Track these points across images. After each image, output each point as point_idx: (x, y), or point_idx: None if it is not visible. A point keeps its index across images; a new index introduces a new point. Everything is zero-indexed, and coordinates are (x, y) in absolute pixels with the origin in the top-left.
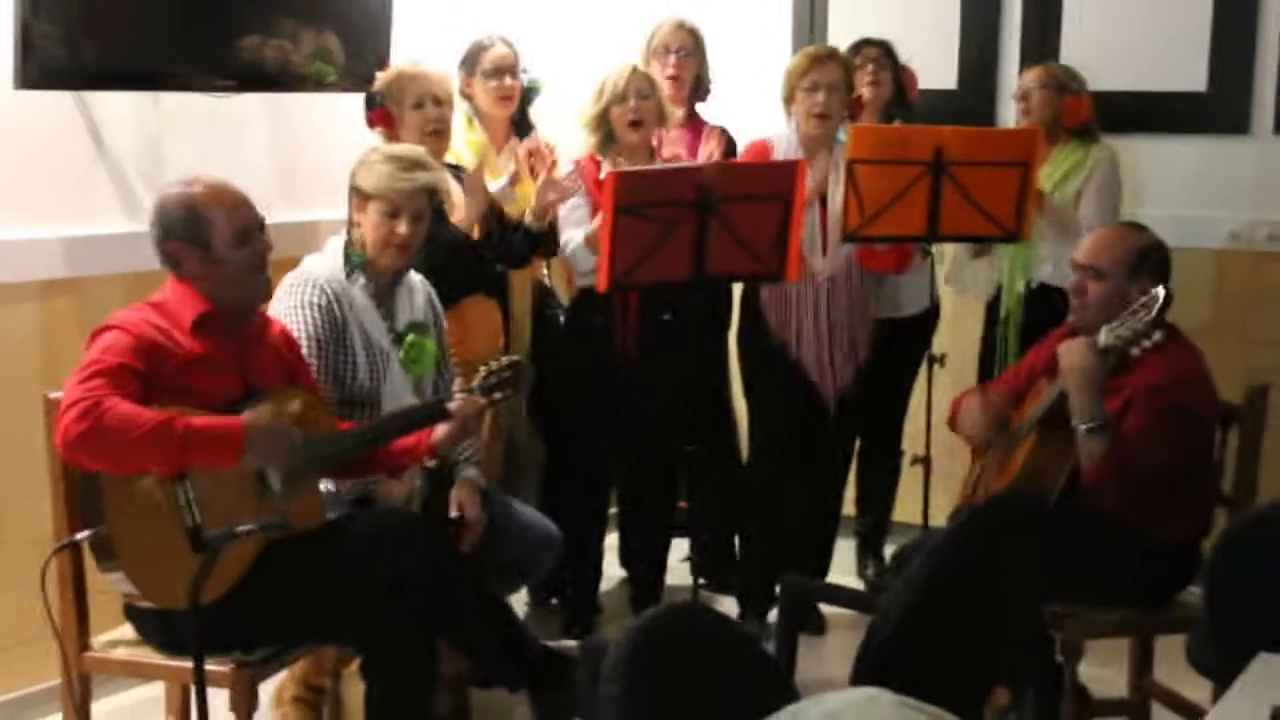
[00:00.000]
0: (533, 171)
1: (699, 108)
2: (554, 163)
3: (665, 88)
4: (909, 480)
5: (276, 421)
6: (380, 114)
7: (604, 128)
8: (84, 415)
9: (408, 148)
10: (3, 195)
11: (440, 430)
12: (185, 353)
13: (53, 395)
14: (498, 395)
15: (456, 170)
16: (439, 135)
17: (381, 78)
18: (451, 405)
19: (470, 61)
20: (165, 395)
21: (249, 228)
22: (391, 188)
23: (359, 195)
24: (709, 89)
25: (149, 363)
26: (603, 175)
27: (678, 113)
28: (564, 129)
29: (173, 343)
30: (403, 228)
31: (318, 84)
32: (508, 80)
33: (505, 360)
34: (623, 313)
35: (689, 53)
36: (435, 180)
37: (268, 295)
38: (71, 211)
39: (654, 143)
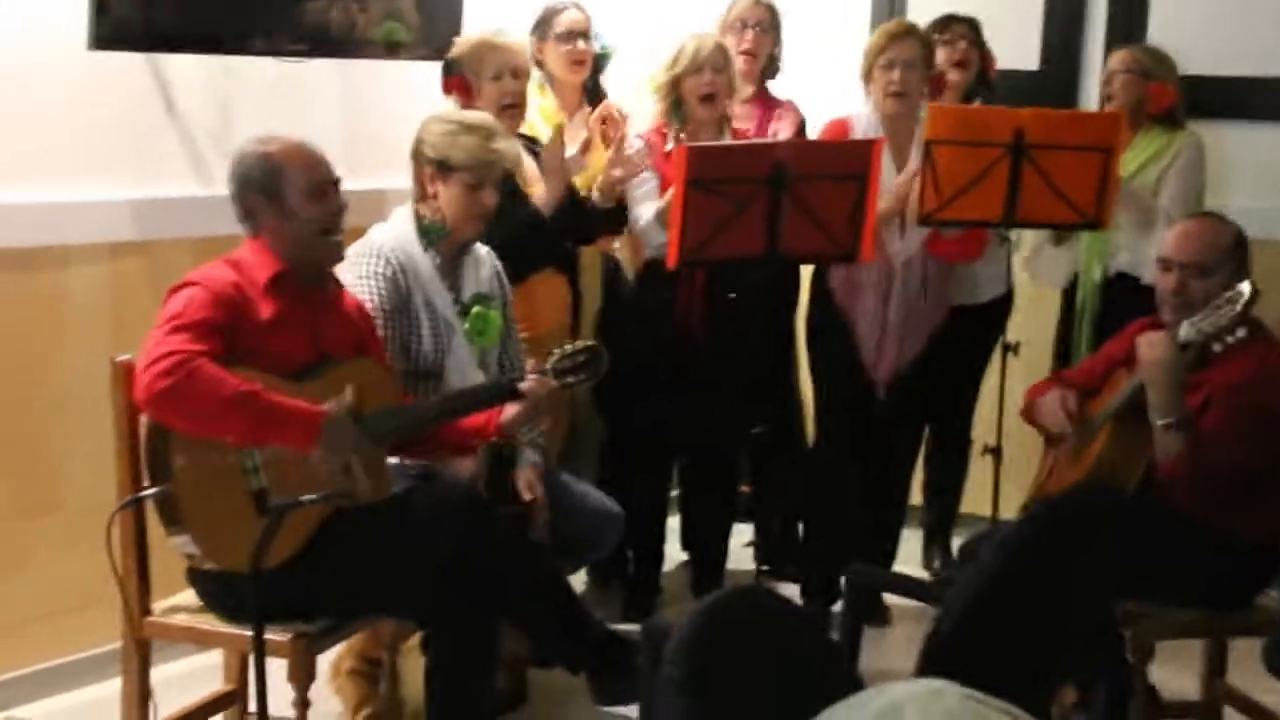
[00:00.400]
0: (605, 139)
1: (768, 85)
2: (623, 136)
3: (738, 63)
4: (978, 470)
5: (349, 423)
6: (457, 82)
7: (672, 96)
8: (172, 370)
9: (478, 116)
10: (73, 156)
11: (510, 411)
12: (261, 313)
13: (120, 358)
14: (571, 380)
15: (530, 143)
16: (515, 109)
17: (461, 44)
18: (523, 386)
19: (543, 25)
20: (240, 356)
21: (323, 184)
22: (479, 159)
23: (438, 167)
24: (779, 67)
25: (229, 319)
26: (669, 148)
27: (747, 89)
28: (631, 97)
29: (249, 301)
30: (489, 198)
31: (388, 47)
32: (580, 44)
33: (581, 345)
34: (690, 289)
35: (765, 28)
36: (517, 152)
37: (339, 257)
38: (141, 174)
39: (721, 116)
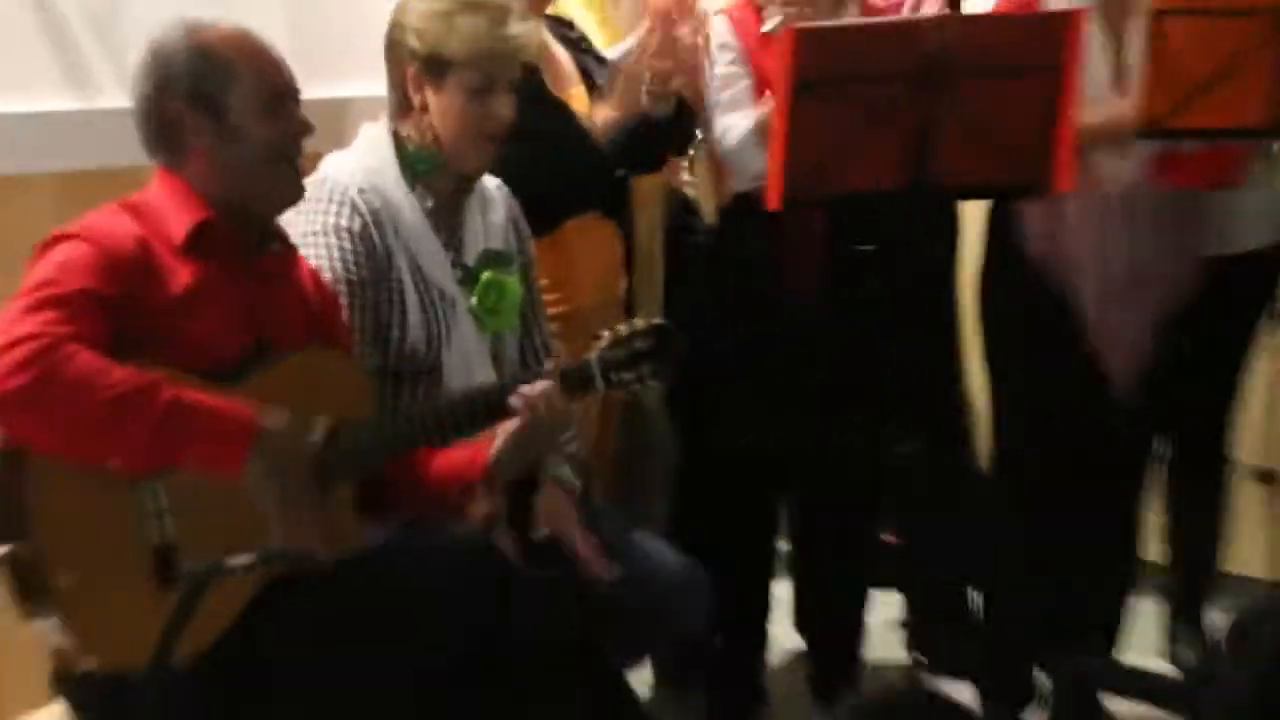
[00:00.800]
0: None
1: None
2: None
3: None
4: (1245, 507)
5: (300, 440)
6: None
7: None
8: (28, 362)
9: None
10: None
11: (500, 438)
12: (173, 281)
13: None
14: (627, 377)
15: (562, 27)
16: None
17: None
18: (514, 397)
19: None
20: (138, 344)
21: (282, 93)
22: (488, 50)
23: (426, 65)
24: None
25: (122, 290)
26: (768, 28)
27: None
28: None
29: (156, 265)
30: (503, 108)
31: None
32: None
33: (641, 324)
34: (801, 242)
35: None
36: (539, 37)
37: (297, 195)
38: None
39: None
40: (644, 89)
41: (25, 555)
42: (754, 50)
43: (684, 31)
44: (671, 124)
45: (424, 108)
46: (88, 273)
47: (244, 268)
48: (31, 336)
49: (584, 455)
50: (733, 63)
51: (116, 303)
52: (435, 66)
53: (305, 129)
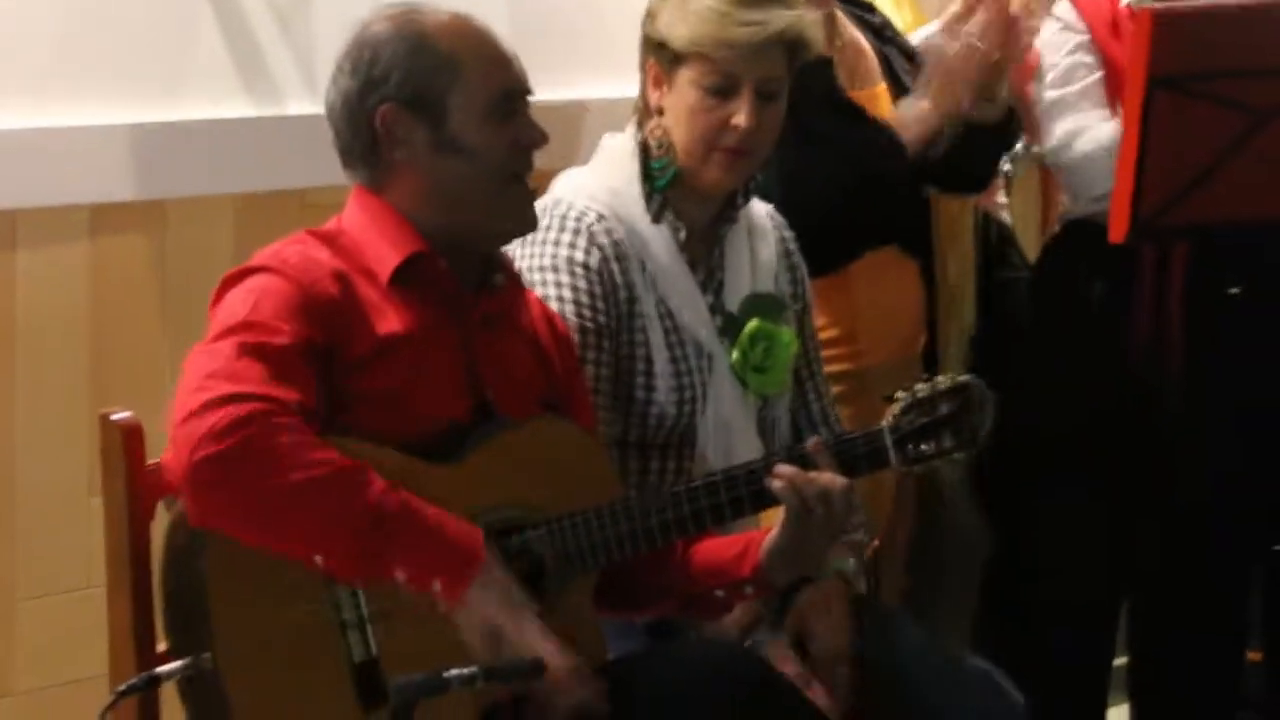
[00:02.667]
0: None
1: None
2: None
3: None
4: None
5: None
6: None
7: None
8: (232, 429)
9: None
10: (38, 58)
11: (772, 535)
12: (380, 328)
13: (115, 416)
14: (927, 450)
15: (857, 7)
16: None
17: None
18: (777, 481)
19: None
20: (340, 402)
21: (513, 95)
22: (716, 37)
23: (660, 56)
24: None
25: (325, 334)
26: (1126, 3)
27: None
28: None
29: (361, 307)
30: (742, 115)
31: None
32: None
33: (945, 382)
34: (1153, 280)
35: None
36: (802, 26)
37: (530, 224)
38: (147, 86)
39: None
40: (965, 86)
41: (208, 669)
42: (1106, 37)
43: (1019, 8)
44: (1000, 133)
45: (659, 110)
46: (293, 316)
47: (463, 310)
48: (240, 397)
49: (872, 545)
50: (1076, 50)
51: (323, 349)
52: (668, 56)
53: (539, 138)
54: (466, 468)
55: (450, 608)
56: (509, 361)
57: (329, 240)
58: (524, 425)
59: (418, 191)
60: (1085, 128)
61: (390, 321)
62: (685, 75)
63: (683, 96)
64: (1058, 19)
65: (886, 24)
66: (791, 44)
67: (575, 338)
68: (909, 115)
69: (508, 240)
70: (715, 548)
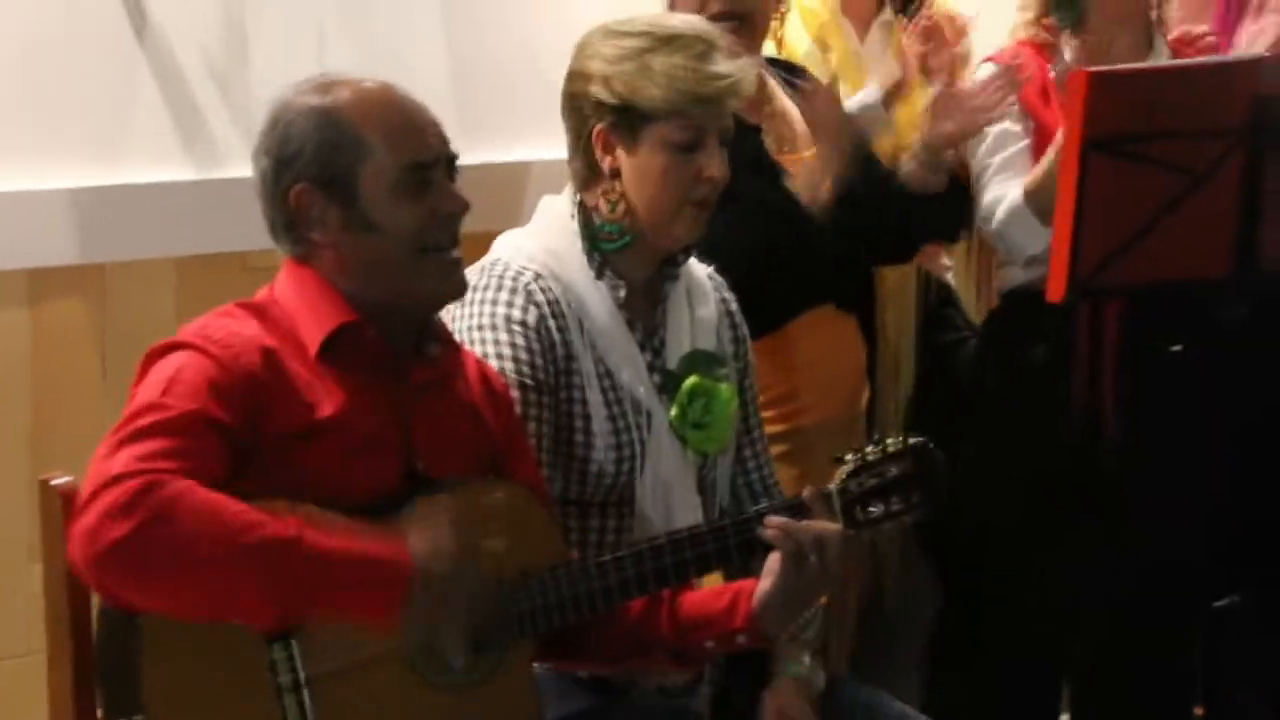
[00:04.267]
0: (927, 69)
1: None
2: (958, 60)
3: None
4: None
5: (464, 560)
6: None
7: None
8: (129, 506)
9: (685, 20)
10: None
11: (764, 585)
12: (310, 400)
13: (56, 481)
14: (876, 512)
15: (787, 72)
16: (745, 27)
17: None
18: (771, 530)
19: None
20: (267, 478)
21: (426, 166)
22: (689, 94)
23: (618, 118)
24: None
25: (246, 414)
26: (1054, 74)
27: None
28: None
29: (288, 380)
30: (714, 167)
31: None
32: None
33: (893, 444)
34: (1093, 343)
35: None
36: (751, 79)
37: (458, 291)
38: (86, 150)
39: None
40: (916, 150)
41: None
42: (1035, 103)
43: (976, 83)
44: (946, 199)
45: (614, 173)
46: (202, 392)
47: (396, 378)
48: (130, 474)
49: (818, 634)
50: (1006, 117)
51: (239, 429)
52: (629, 120)
53: (460, 207)
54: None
55: (388, 624)
56: (446, 428)
57: (259, 312)
58: (465, 486)
59: (340, 266)
60: (1003, 197)
61: (319, 396)
62: (654, 135)
63: (652, 156)
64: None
65: (797, 67)
66: (744, 95)
67: (515, 394)
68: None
69: (438, 308)
70: (701, 600)
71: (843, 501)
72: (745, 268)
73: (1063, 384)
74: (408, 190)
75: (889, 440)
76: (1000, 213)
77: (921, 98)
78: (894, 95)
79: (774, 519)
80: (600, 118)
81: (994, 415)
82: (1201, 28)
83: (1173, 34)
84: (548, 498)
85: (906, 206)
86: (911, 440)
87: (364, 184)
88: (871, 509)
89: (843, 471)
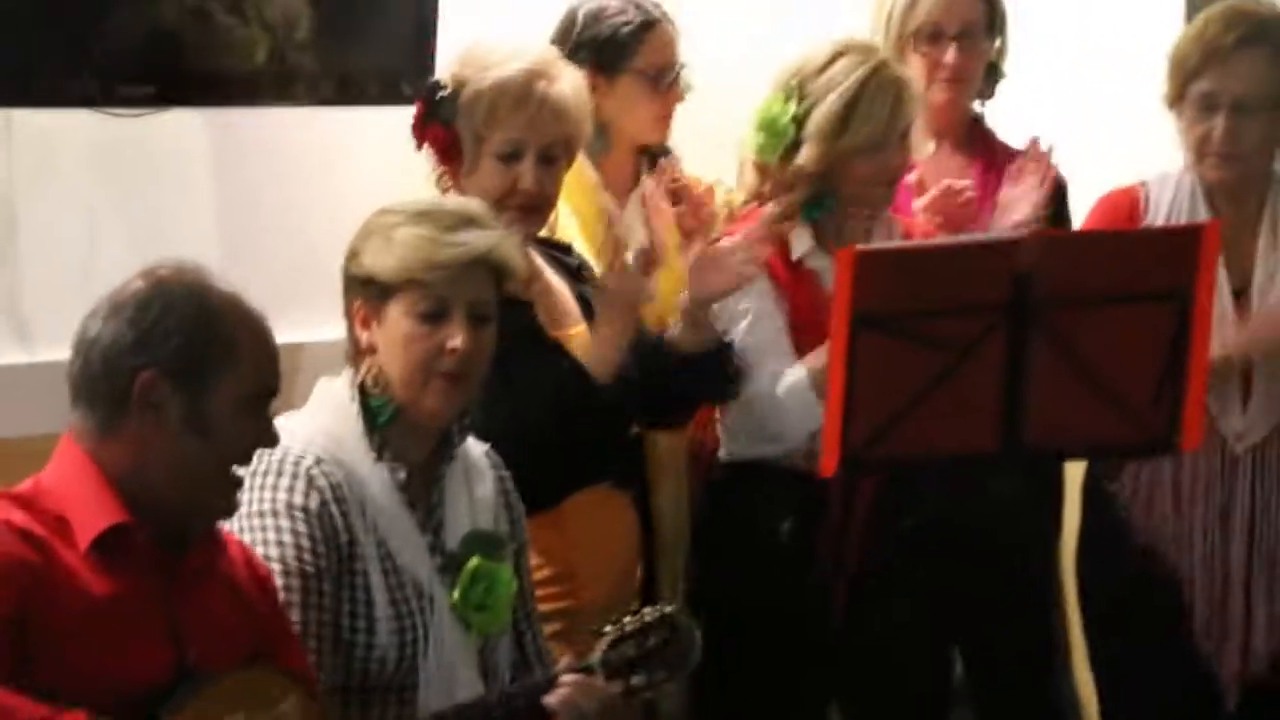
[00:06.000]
0: (685, 229)
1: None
2: (708, 215)
3: (936, 94)
4: None
5: None
6: (440, 134)
7: (819, 182)
8: None
9: (458, 201)
10: None
11: None
12: (77, 595)
13: None
14: (638, 681)
15: (554, 249)
16: (531, 214)
17: (459, 66)
18: (553, 697)
19: (612, 47)
20: (37, 672)
21: (271, 392)
22: (426, 261)
23: (367, 293)
24: (1000, 77)
25: (13, 609)
26: (798, 255)
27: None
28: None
29: (56, 574)
30: (457, 339)
31: (285, 89)
32: (674, 89)
33: (651, 613)
34: (847, 514)
35: (977, 34)
36: (506, 248)
37: (227, 516)
38: None
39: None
40: (681, 316)
41: None
42: (788, 281)
43: (729, 245)
44: (711, 364)
45: (372, 348)
46: None
47: (165, 571)
48: None
49: None
50: (762, 297)
51: (12, 621)
52: (376, 293)
53: (274, 443)
54: None
55: None
56: (215, 616)
57: (26, 503)
58: (232, 676)
59: (142, 458)
60: (782, 373)
61: (87, 590)
62: (396, 307)
63: (396, 328)
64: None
65: (583, 265)
66: (497, 267)
67: (294, 583)
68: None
69: (211, 523)
70: None
71: (606, 672)
72: (524, 445)
73: (807, 555)
74: (252, 411)
75: (646, 610)
76: (781, 391)
77: (680, 261)
78: (650, 263)
79: (569, 679)
80: (357, 293)
81: (765, 585)
82: (964, 182)
83: (937, 188)
84: (315, 685)
85: (680, 369)
86: (667, 610)
87: (218, 390)
88: (634, 679)
89: (604, 643)
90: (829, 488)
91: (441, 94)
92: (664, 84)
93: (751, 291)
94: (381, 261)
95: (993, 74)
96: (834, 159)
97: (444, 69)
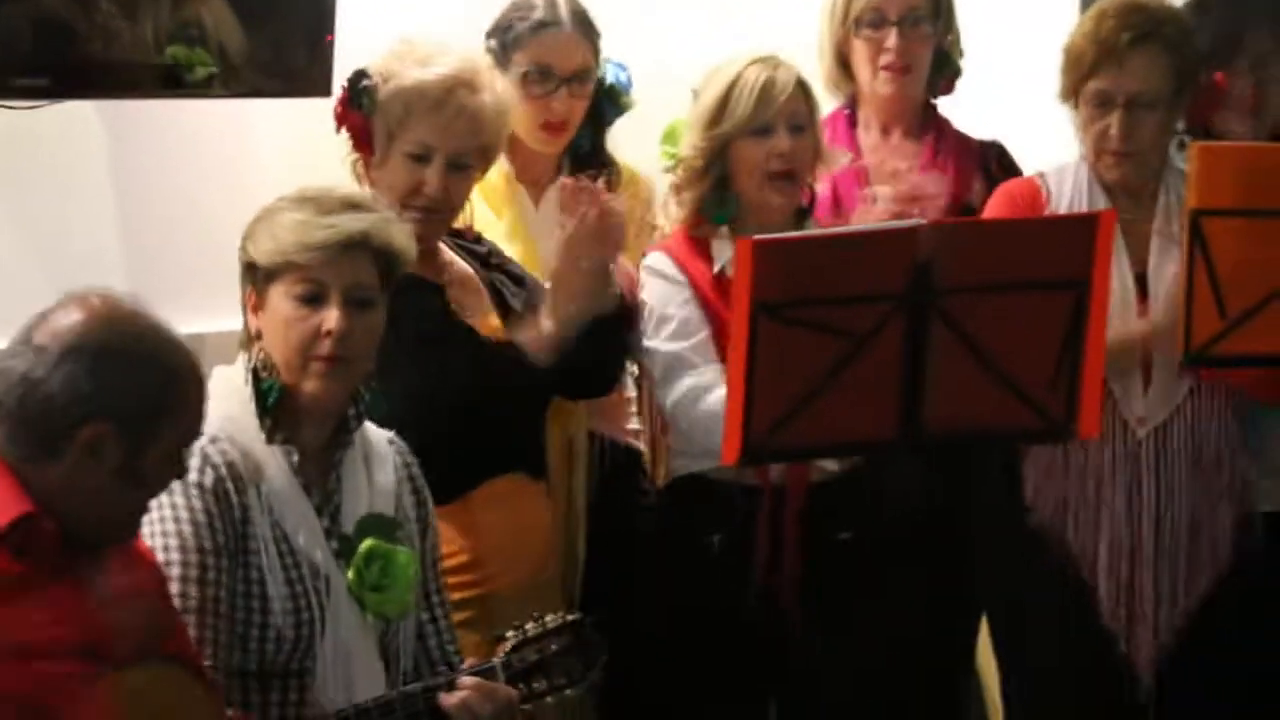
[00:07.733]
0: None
1: (945, 105)
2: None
3: (881, 86)
4: None
5: None
6: (357, 122)
7: (714, 178)
8: None
9: (350, 190)
10: None
11: None
12: None
13: None
14: (540, 686)
15: (461, 239)
16: (433, 217)
17: (386, 65)
18: (449, 699)
19: (503, 38)
20: None
21: (197, 435)
22: (300, 244)
23: (253, 278)
24: (958, 74)
25: None
26: (720, 266)
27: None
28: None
29: None
30: (332, 320)
31: (180, 81)
32: (561, 91)
33: (555, 619)
34: (774, 519)
35: (920, 19)
36: (384, 230)
37: (133, 535)
38: None
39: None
40: (581, 296)
41: None
42: (710, 292)
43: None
44: (618, 327)
45: (259, 333)
46: None
47: (71, 564)
48: None
49: None
50: (687, 304)
51: None
52: (260, 276)
53: (184, 473)
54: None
55: None
56: (122, 609)
57: None
58: (132, 671)
59: (64, 490)
60: (708, 385)
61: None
62: (277, 291)
63: (276, 311)
64: (657, 272)
65: (493, 251)
66: (378, 250)
67: (191, 559)
68: (530, 338)
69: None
70: None
71: (507, 675)
72: (436, 430)
73: (744, 567)
74: (175, 462)
75: (549, 616)
76: (707, 404)
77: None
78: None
79: (468, 681)
80: (248, 279)
81: (683, 591)
82: (905, 164)
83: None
84: (203, 669)
85: (590, 333)
86: (569, 617)
87: (159, 442)
88: (536, 684)
89: (506, 646)
90: (759, 500)
91: (365, 83)
92: (541, 88)
93: (676, 299)
94: (263, 246)
95: (946, 65)
96: (716, 145)
97: (376, 58)
